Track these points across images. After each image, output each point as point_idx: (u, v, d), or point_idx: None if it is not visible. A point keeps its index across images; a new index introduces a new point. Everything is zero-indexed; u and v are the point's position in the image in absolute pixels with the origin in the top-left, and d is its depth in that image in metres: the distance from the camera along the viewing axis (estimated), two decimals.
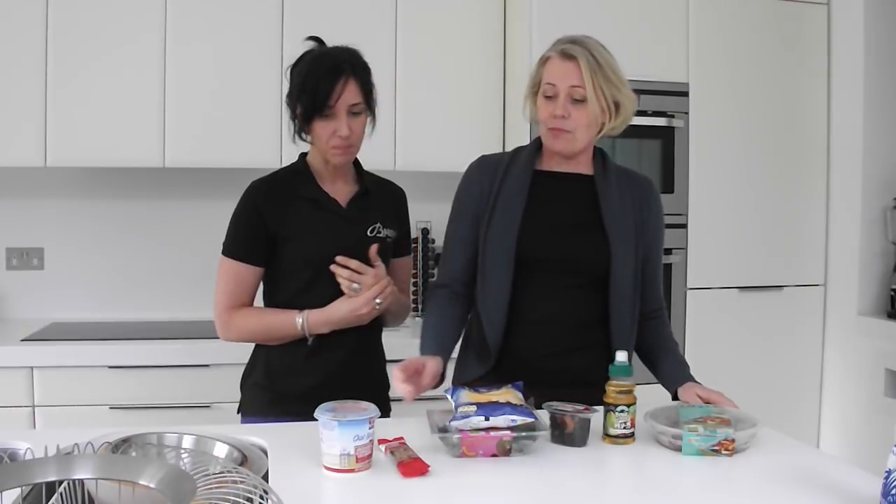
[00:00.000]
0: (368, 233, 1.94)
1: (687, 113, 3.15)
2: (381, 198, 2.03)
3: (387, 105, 3.14)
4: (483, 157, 1.96)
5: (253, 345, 1.99)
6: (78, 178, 3.20)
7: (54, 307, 3.19)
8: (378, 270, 1.89)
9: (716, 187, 3.20)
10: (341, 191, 1.96)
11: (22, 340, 2.76)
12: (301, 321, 1.87)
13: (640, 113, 3.09)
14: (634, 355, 1.85)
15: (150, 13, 2.91)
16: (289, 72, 1.92)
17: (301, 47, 1.92)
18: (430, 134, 3.11)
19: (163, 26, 2.92)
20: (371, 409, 1.45)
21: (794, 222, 3.32)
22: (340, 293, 1.87)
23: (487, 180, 1.88)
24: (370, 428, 1.41)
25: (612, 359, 1.65)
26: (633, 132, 3.14)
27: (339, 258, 1.87)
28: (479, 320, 1.86)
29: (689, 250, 3.17)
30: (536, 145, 1.90)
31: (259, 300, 1.97)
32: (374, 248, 1.89)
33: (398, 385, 1.62)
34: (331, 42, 1.92)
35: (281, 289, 1.94)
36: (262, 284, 1.97)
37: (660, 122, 3.11)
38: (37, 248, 3.21)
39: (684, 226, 3.16)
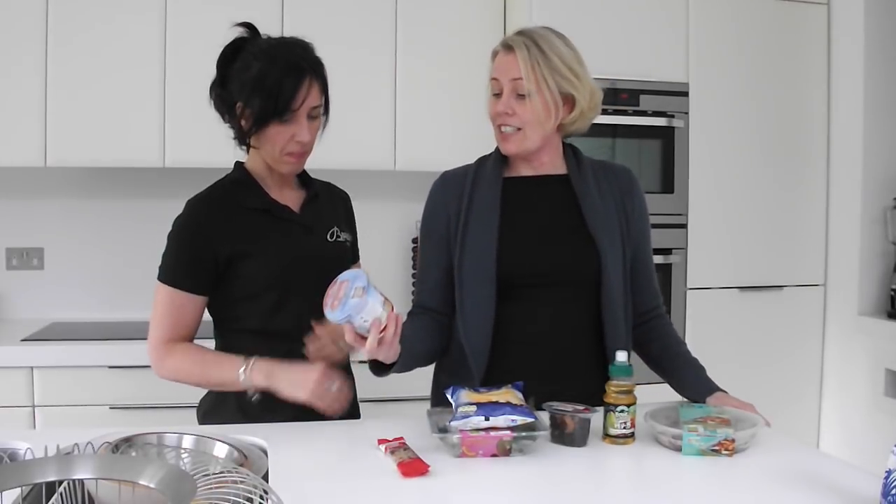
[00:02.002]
0: (328, 238, 1.82)
1: (687, 113, 3.15)
2: (330, 201, 1.90)
3: (387, 105, 3.17)
4: (445, 174, 1.84)
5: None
6: (78, 178, 3.21)
7: (54, 307, 3.19)
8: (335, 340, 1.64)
9: (716, 187, 3.20)
10: (290, 197, 1.81)
11: (22, 340, 2.76)
12: (244, 375, 1.65)
13: (640, 113, 3.13)
14: (641, 363, 1.82)
15: (149, 13, 2.91)
16: (219, 63, 1.73)
17: (230, 33, 1.74)
18: (430, 134, 3.11)
19: (163, 26, 2.92)
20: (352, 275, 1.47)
21: (794, 222, 3.32)
22: (312, 312, 1.58)
23: (454, 199, 1.77)
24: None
25: (613, 360, 1.64)
26: (633, 132, 3.18)
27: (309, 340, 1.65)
28: (458, 347, 1.73)
29: (689, 250, 3.17)
30: (500, 151, 1.78)
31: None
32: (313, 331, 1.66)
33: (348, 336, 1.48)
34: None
35: (244, 314, 1.75)
36: (214, 314, 1.78)
37: (660, 122, 3.11)
38: (37, 248, 3.21)
39: (684, 226, 3.16)
